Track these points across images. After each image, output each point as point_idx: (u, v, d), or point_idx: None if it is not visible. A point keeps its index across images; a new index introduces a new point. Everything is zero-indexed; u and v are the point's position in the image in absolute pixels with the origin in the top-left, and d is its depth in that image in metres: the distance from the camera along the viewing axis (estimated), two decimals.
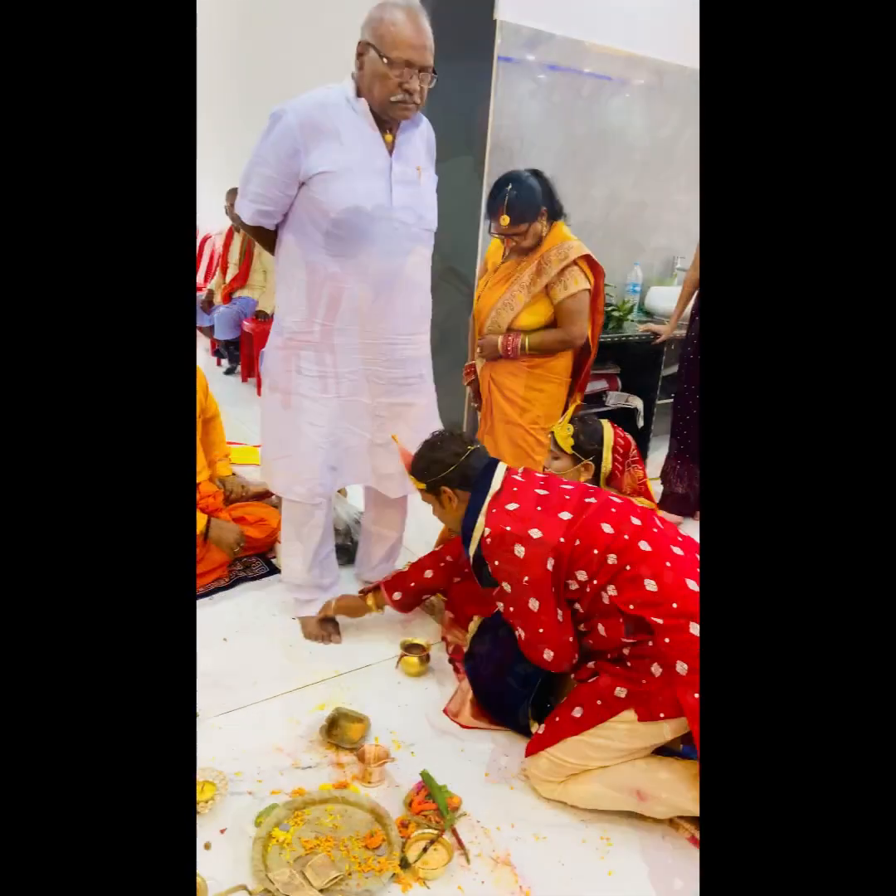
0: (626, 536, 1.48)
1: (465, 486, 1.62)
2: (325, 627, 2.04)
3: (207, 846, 1.37)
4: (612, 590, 1.45)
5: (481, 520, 1.54)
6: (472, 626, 1.85)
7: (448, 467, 1.62)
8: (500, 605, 1.56)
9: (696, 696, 1.35)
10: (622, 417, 3.35)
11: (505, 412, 2.23)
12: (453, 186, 3.00)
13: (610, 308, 3.32)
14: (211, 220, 5.64)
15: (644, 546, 1.47)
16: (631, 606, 1.42)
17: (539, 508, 1.51)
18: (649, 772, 1.45)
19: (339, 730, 1.67)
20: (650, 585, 1.42)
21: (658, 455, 3.19)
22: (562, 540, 1.46)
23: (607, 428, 1.93)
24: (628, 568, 1.44)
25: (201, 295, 4.85)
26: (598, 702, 1.45)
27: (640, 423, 3.41)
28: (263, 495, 2.58)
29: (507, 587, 1.50)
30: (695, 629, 1.37)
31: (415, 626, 2.12)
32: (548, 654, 1.51)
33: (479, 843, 1.42)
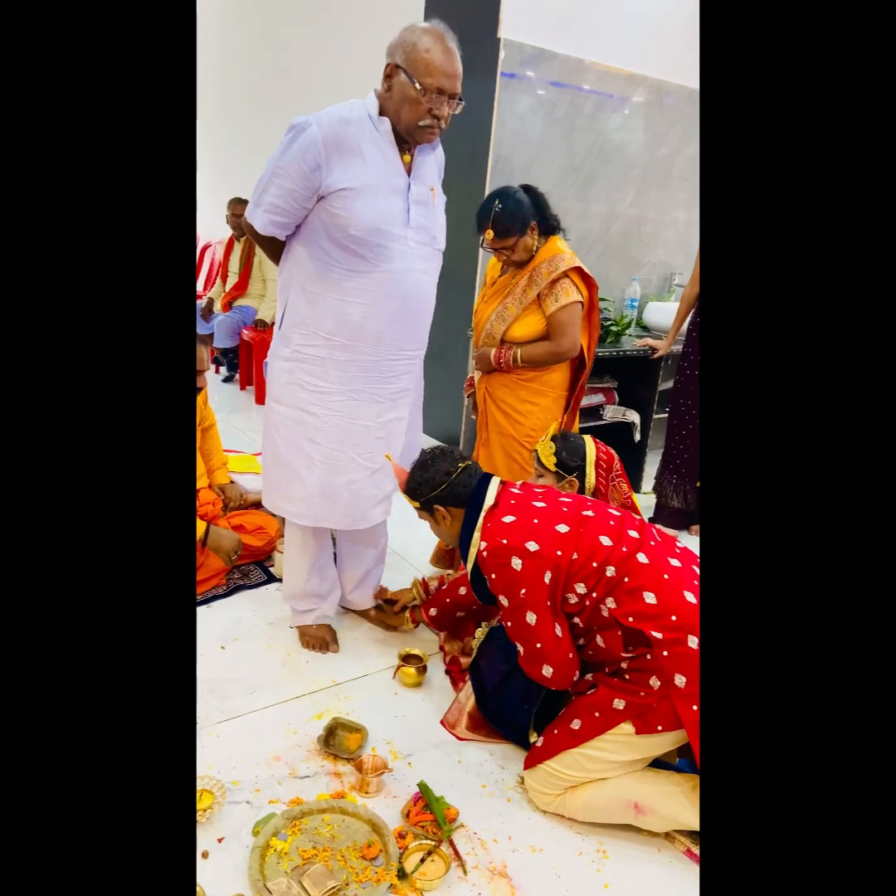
0: (624, 549, 1.48)
1: (459, 503, 1.61)
2: (324, 636, 2.04)
3: (205, 855, 1.37)
4: (610, 602, 1.45)
5: (477, 535, 1.54)
6: (480, 633, 1.85)
7: (439, 486, 1.61)
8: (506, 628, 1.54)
9: (696, 708, 1.36)
10: (619, 432, 3.37)
11: (500, 424, 2.24)
12: (454, 199, 3.03)
13: (608, 323, 3.35)
14: (212, 229, 5.67)
15: (642, 558, 1.48)
16: (630, 619, 1.42)
17: (536, 521, 1.51)
18: (646, 785, 1.46)
19: (336, 740, 1.68)
20: (649, 598, 1.43)
21: (654, 469, 3.21)
22: (559, 553, 1.46)
23: (589, 443, 1.94)
24: (627, 580, 1.45)
25: (201, 303, 4.87)
26: (597, 714, 1.45)
27: (637, 436, 3.43)
28: (262, 503, 2.59)
29: (504, 601, 1.49)
30: (693, 643, 1.38)
31: (412, 637, 2.12)
32: (547, 670, 1.49)
33: (477, 855, 1.43)
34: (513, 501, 1.58)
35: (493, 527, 1.52)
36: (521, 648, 1.51)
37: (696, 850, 1.47)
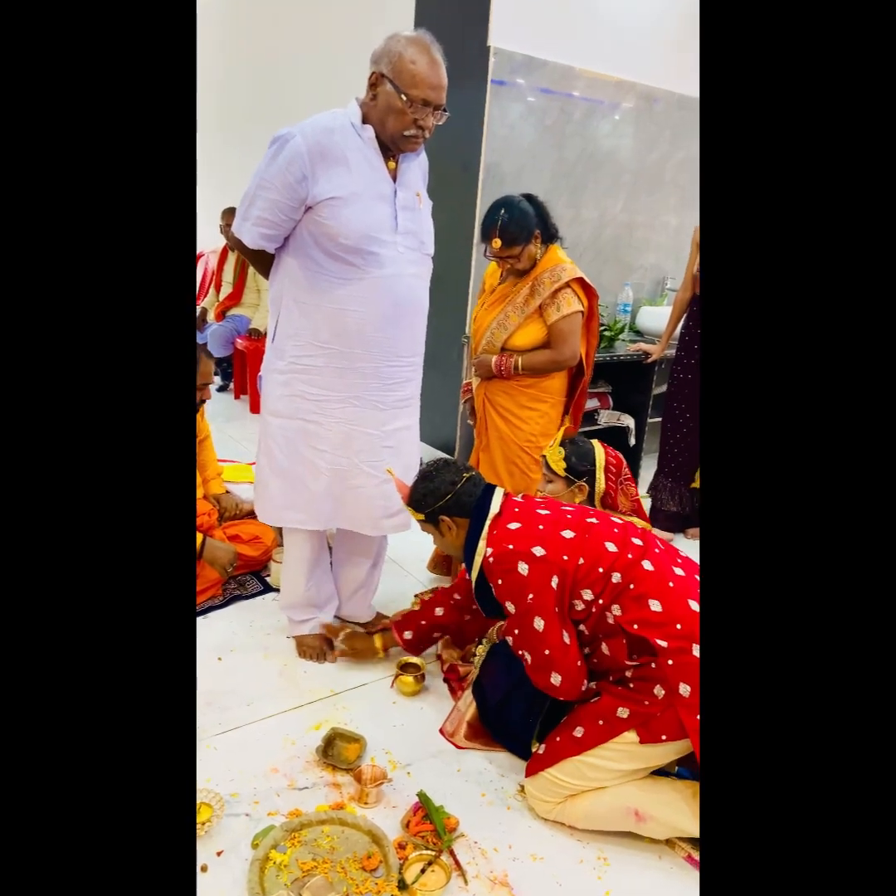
0: (629, 556, 1.48)
1: (464, 513, 1.61)
2: (321, 646, 2.03)
3: (204, 868, 1.36)
4: (616, 609, 1.45)
5: (482, 543, 1.54)
6: (481, 650, 1.83)
7: (444, 496, 1.61)
8: (510, 640, 1.52)
9: (700, 717, 1.35)
10: (614, 435, 3.38)
11: (500, 430, 2.26)
12: (446, 207, 3.04)
13: (601, 328, 3.36)
14: (205, 239, 5.67)
15: (647, 566, 1.48)
16: (635, 626, 1.42)
17: (541, 527, 1.51)
18: (647, 792, 1.46)
19: (335, 750, 1.67)
20: (654, 605, 1.42)
21: (650, 473, 3.22)
22: (566, 558, 1.45)
23: (598, 448, 1.95)
24: (632, 587, 1.45)
25: None
26: (600, 722, 1.44)
27: (632, 441, 3.44)
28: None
29: (510, 607, 1.48)
30: (697, 651, 1.38)
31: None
32: (555, 678, 1.47)
33: (477, 864, 1.42)
34: (517, 510, 1.58)
35: (499, 534, 1.52)
36: (528, 657, 1.49)
37: (698, 856, 1.46)
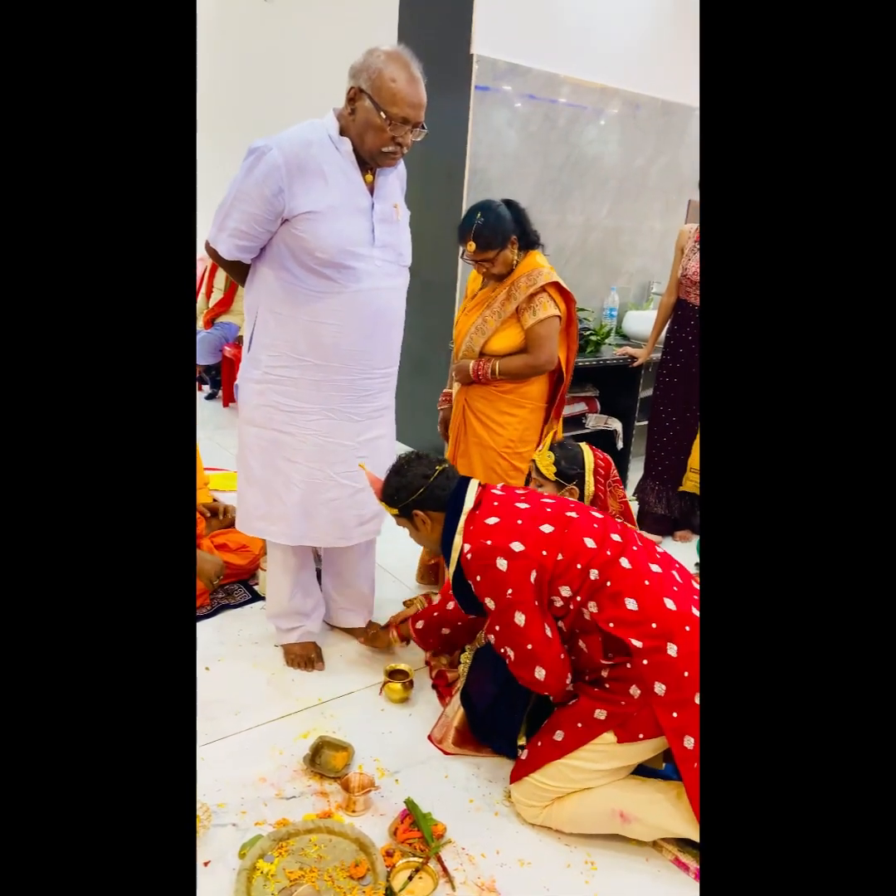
0: (608, 552, 1.49)
1: (438, 507, 1.60)
2: (308, 654, 2.03)
3: None
4: (592, 607, 1.45)
5: (458, 538, 1.53)
6: (465, 658, 1.83)
7: (417, 490, 1.60)
8: (492, 638, 1.52)
9: (675, 715, 1.37)
10: (602, 439, 3.39)
11: (479, 436, 2.25)
12: (432, 214, 3.05)
13: (588, 332, 3.38)
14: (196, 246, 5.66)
15: (625, 563, 1.48)
16: (611, 624, 1.43)
17: (520, 522, 1.50)
18: (631, 793, 1.47)
19: (322, 758, 1.67)
20: (630, 604, 1.43)
21: (637, 476, 3.23)
22: (544, 553, 1.45)
23: (587, 451, 1.97)
24: (609, 584, 1.45)
25: None
26: (579, 725, 1.45)
27: (620, 444, 3.46)
28: None
29: (490, 603, 1.48)
30: (672, 650, 1.39)
31: (398, 653, 2.12)
32: (539, 672, 1.46)
33: (465, 871, 1.42)
34: (496, 503, 1.57)
35: (476, 529, 1.51)
36: (511, 653, 1.48)
37: (684, 859, 1.47)
